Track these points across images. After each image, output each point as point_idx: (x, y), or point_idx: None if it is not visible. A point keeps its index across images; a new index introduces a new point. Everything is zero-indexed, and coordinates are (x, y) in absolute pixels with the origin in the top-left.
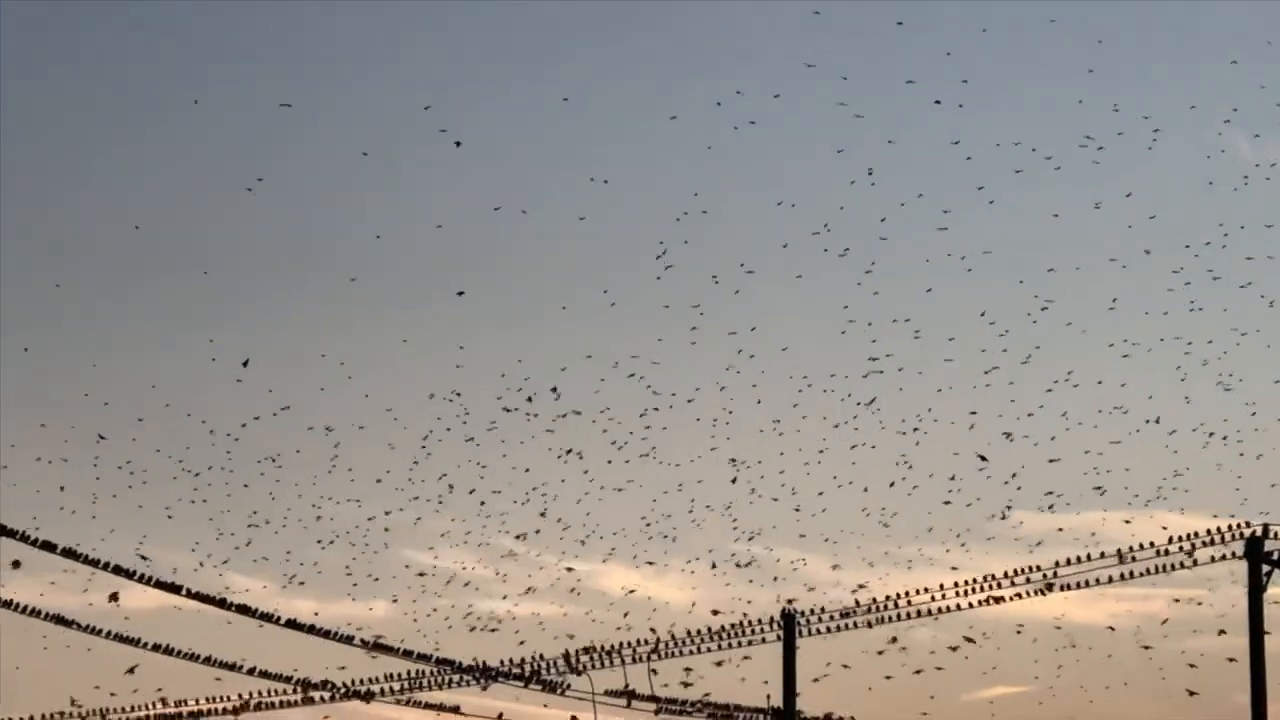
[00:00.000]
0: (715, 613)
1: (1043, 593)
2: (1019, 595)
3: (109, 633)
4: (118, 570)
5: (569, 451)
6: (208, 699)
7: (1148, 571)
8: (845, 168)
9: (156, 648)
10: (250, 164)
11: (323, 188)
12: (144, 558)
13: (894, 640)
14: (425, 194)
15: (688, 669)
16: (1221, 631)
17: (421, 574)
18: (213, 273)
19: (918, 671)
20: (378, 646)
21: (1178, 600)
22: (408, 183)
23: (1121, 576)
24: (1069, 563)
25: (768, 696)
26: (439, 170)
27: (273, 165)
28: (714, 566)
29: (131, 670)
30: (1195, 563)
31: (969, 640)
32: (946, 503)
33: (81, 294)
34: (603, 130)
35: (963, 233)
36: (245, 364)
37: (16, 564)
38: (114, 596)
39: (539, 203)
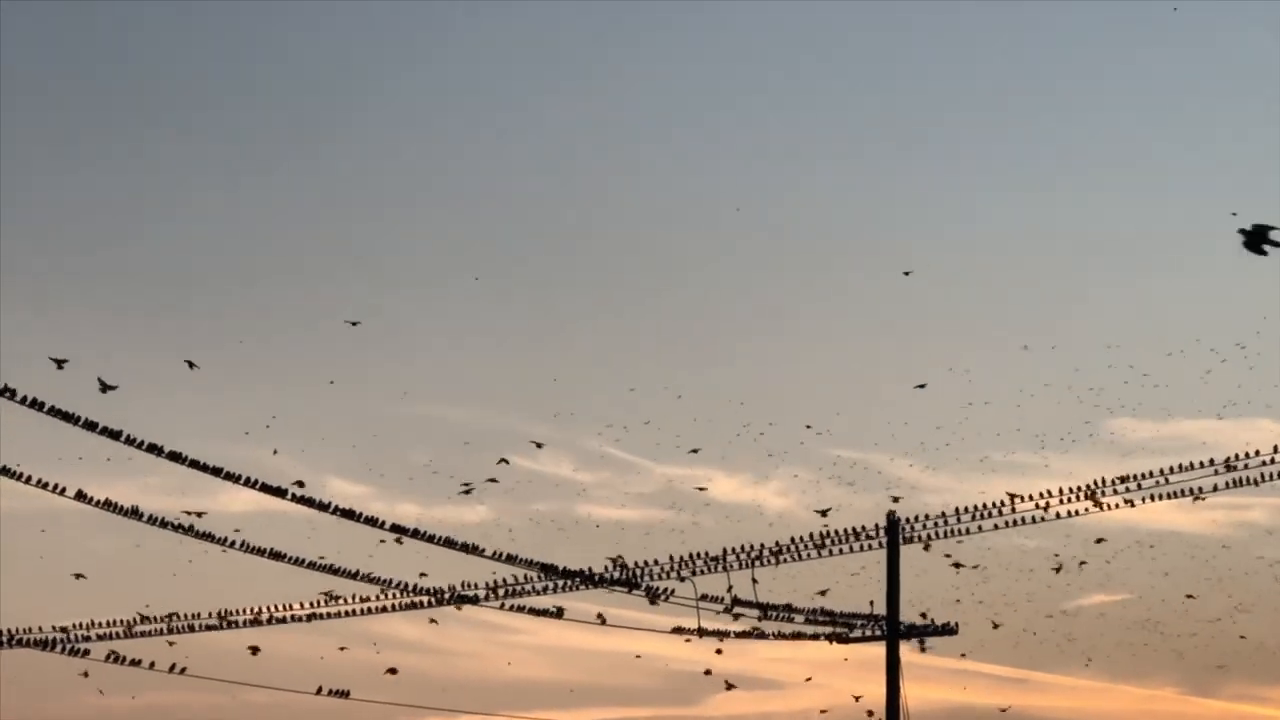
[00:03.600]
0: (824, 513)
1: (1145, 501)
2: (1124, 503)
3: (212, 535)
4: (226, 475)
5: (661, 362)
6: (309, 603)
7: (1252, 481)
8: None
9: (260, 551)
10: None
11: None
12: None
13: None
14: None
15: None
16: None
17: (525, 479)
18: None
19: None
20: (477, 551)
21: None
22: None
23: (1227, 485)
24: (1173, 470)
25: (870, 603)
26: None
27: None
28: (820, 473)
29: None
30: None
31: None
32: (1050, 411)
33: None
34: None
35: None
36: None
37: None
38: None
39: None
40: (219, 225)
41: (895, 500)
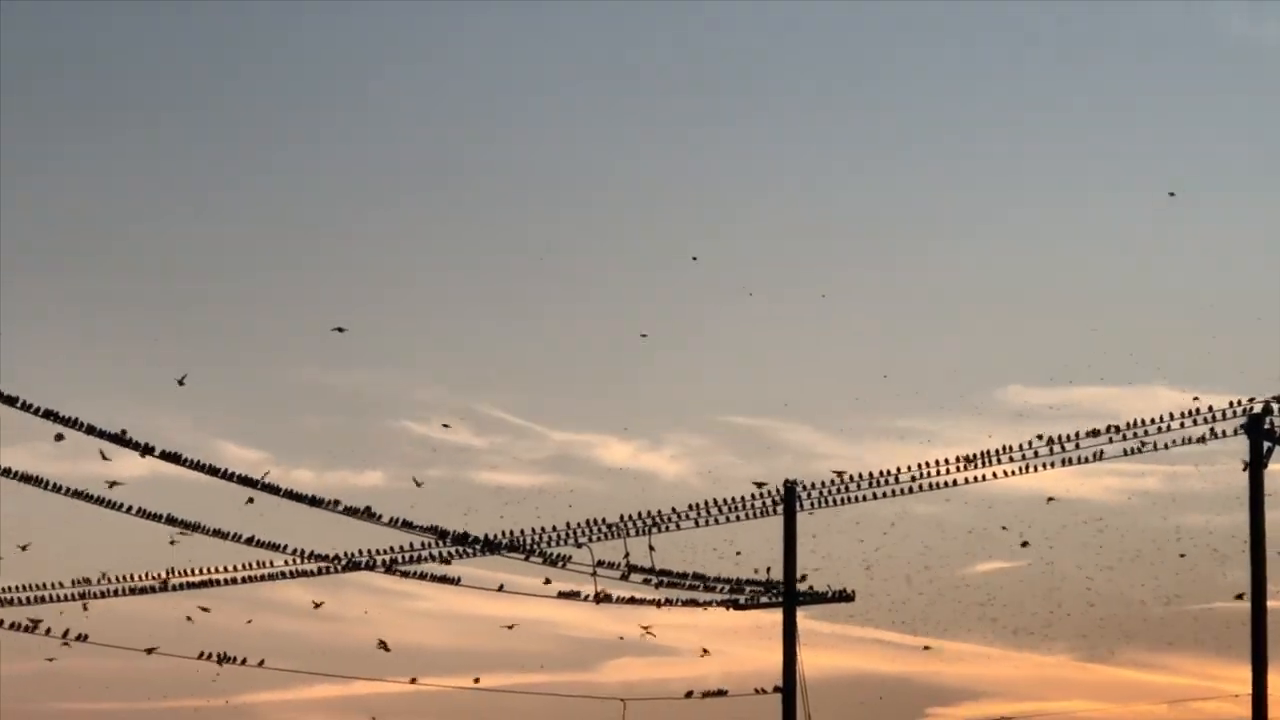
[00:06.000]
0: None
1: (1042, 468)
2: (1017, 470)
3: (109, 502)
4: (119, 440)
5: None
6: (209, 569)
7: (1146, 448)
8: None
9: (155, 517)
10: None
11: None
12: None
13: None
14: None
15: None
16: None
17: (421, 446)
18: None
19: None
20: (370, 515)
21: (1176, 476)
22: None
23: (1125, 453)
24: (1069, 438)
25: (767, 569)
26: None
27: None
28: (714, 441)
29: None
30: (1202, 439)
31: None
32: (945, 379)
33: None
34: None
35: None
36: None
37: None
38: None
39: None
40: (115, 189)
41: (804, 467)
